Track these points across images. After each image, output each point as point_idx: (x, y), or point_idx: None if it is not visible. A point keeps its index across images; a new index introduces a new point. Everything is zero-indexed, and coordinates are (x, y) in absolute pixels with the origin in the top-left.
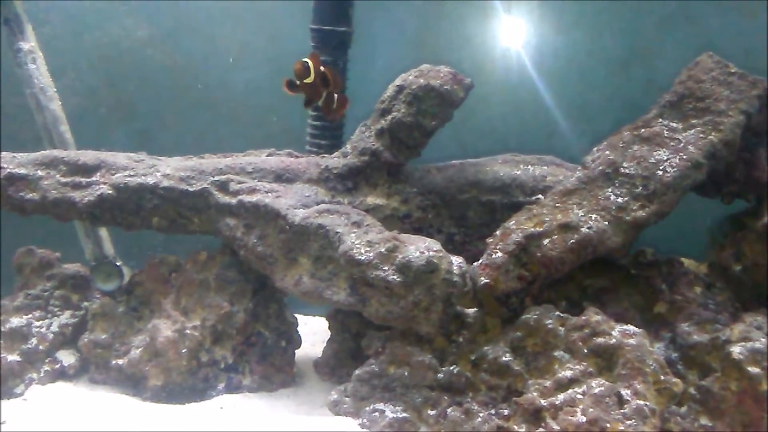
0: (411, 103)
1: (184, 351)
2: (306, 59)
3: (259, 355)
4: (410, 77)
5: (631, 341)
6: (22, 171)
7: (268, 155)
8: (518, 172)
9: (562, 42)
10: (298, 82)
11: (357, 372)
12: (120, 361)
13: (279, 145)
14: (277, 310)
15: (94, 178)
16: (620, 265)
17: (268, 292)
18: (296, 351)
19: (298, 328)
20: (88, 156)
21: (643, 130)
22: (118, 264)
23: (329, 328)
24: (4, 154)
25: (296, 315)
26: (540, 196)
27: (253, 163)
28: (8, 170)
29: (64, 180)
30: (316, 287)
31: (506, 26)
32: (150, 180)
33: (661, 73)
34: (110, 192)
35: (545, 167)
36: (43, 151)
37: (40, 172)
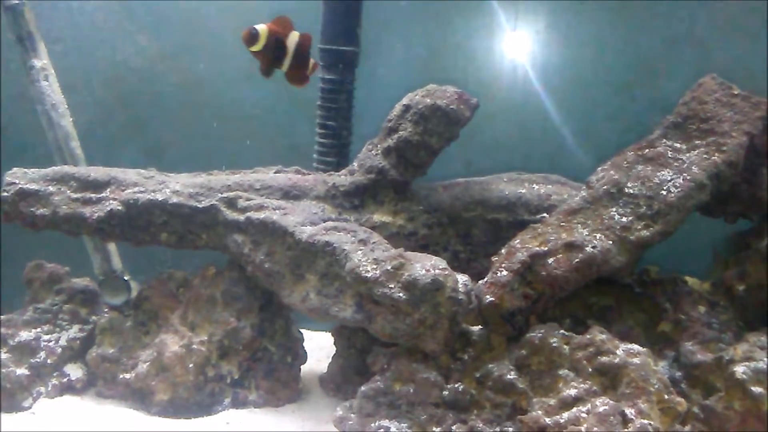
0: (418, 123)
1: (191, 366)
2: (265, 25)
3: (265, 371)
4: (417, 97)
5: (636, 360)
6: (34, 187)
7: (275, 172)
8: (523, 191)
9: (567, 61)
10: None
11: (362, 388)
12: (127, 376)
13: (287, 161)
14: (284, 325)
15: (104, 194)
16: (625, 283)
17: (274, 308)
18: (302, 366)
19: (304, 344)
20: (98, 172)
21: (647, 150)
22: (125, 278)
23: (335, 343)
24: (15, 169)
25: (301, 330)
26: (545, 214)
27: (261, 180)
28: (20, 186)
29: (74, 196)
30: (322, 304)
31: (512, 45)
32: (159, 196)
33: (666, 94)
34: (120, 208)
35: (550, 186)
36: (54, 167)
37: (51, 188)
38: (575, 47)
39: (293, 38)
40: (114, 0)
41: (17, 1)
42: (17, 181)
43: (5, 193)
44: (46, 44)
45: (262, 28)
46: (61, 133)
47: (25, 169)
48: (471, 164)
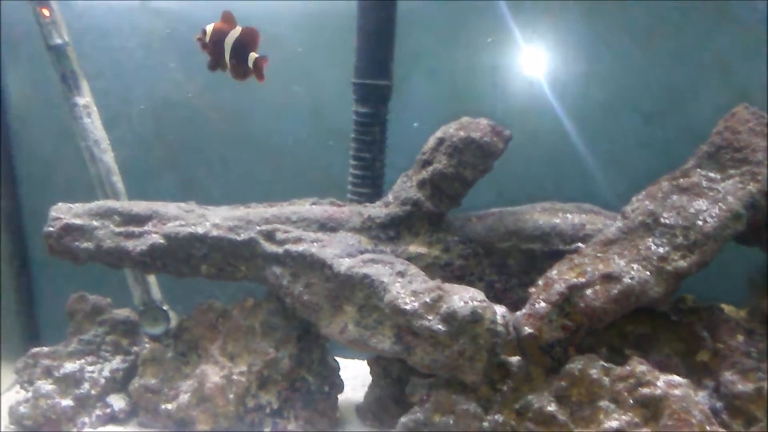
0: (452, 155)
1: (231, 396)
2: (212, 24)
3: (304, 401)
4: (450, 130)
5: (677, 392)
6: (78, 221)
7: (311, 204)
8: (557, 221)
9: (596, 91)
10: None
11: (402, 420)
12: (169, 406)
13: (320, 192)
14: (320, 355)
15: (146, 228)
16: (660, 311)
17: (311, 338)
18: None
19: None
20: (140, 206)
21: (681, 180)
22: (164, 309)
23: (371, 373)
24: (60, 204)
25: (336, 358)
26: (580, 244)
27: (298, 212)
28: (65, 220)
29: (117, 230)
30: (361, 335)
31: (542, 76)
32: (200, 230)
33: (697, 122)
34: (162, 241)
35: (584, 215)
36: (98, 202)
37: (95, 222)
38: (605, 77)
39: (233, 34)
40: (154, 37)
41: (60, 42)
42: (62, 216)
43: (51, 228)
44: (88, 81)
45: (209, 26)
46: (103, 168)
47: (70, 204)
48: (502, 193)
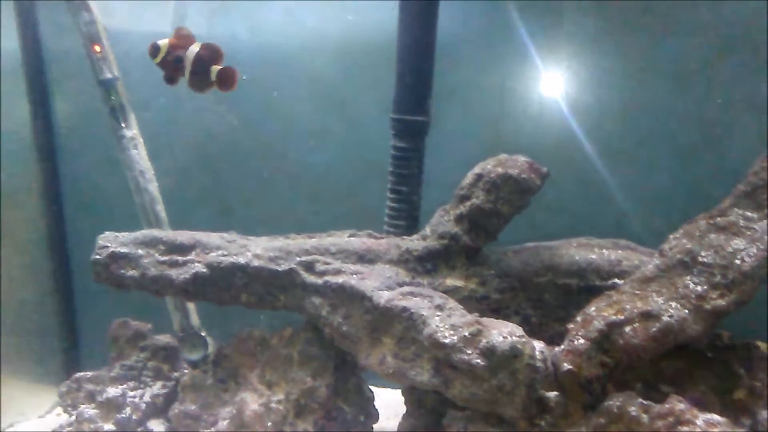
0: (490, 191)
1: (269, 424)
2: (166, 40)
3: (340, 430)
4: (488, 166)
5: (716, 431)
6: (124, 250)
7: (350, 236)
8: (594, 256)
9: (629, 127)
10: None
11: None
12: None
13: (355, 222)
14: (356, 384)
15: (189, 257)
16: (696, 347)
17: (348, 368)
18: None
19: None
20: (184, 236)
21: (718, 219)
22: (203, 335)
23: (405, 403)
24: (107, 233)
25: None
26: (616, 280)
27: (337, 244)
28: (111, 249)
29: (162, 258)
30: (400, 367)
31: (574, 112)
32: (241, 260)
33: (731, 159)
34: (204, 270)
35: (620, 251)
36: (143, 231)
37: (140, 251)
38: (638, 113)
39: (193, 49)
40: None
41: (110, 76)
42: (109, 245)
43: (98, 256)
44: (135, 113)
45: (163, 42)
46: (147, 198)
47: (117, 233)
48: (536, 227)
